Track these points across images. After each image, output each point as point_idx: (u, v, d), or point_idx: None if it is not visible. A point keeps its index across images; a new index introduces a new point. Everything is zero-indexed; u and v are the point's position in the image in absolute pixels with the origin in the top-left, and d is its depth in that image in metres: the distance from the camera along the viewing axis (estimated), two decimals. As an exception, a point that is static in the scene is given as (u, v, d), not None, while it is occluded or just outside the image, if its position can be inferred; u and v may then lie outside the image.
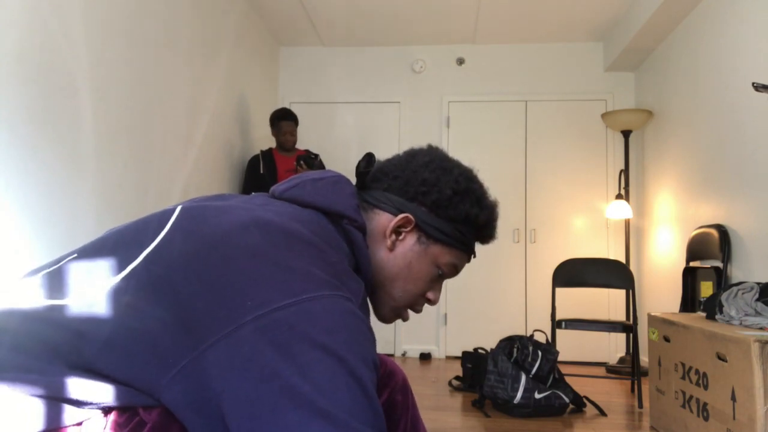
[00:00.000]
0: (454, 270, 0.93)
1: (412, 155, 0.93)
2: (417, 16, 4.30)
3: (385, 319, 0.94)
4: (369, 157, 0.93)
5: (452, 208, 0.88)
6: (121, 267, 0.71)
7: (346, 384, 0.61)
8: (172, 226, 0.74)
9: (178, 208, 0.78)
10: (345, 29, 4.56)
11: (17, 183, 1.89)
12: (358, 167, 0.92)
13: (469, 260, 0.95)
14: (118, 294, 0.68)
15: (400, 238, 0.88)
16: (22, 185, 1.91)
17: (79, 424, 0.66)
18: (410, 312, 0.95)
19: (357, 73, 4.86)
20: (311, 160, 3.80)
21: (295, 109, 4.87)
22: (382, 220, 0.88)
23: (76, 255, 0.77)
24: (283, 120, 3.92)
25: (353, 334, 0.66)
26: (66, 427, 0.66)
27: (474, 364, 3.37)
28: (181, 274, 0.67)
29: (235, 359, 0.62)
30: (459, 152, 4.68)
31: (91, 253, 0.75)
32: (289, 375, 0.60)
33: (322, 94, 4.86)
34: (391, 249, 0.88)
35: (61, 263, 0.76)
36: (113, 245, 0.75)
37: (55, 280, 0.73)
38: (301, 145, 4.53)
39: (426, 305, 0.96)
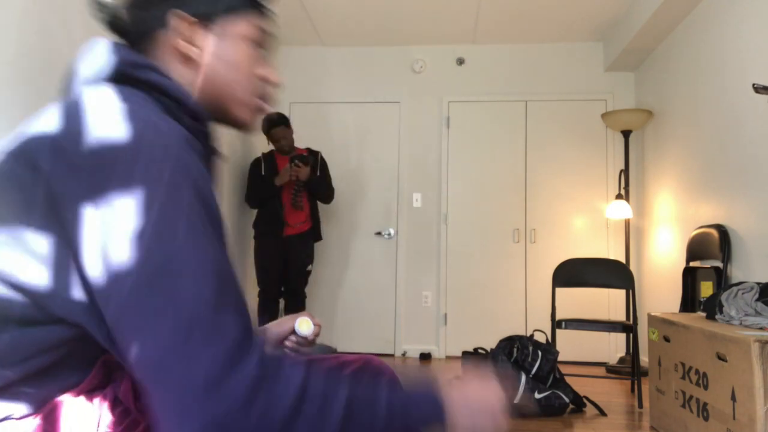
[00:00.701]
0: (265, 35, 0.87)
1: None
2: (417, 16, 4.30)
3: (247, 122, 0.87)
4: (102, 5, 0.84)
5: None
6: None
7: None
8: None
9: None
10: (345, 29, 4.56)
11: (17, 183, 1.89)
12: (104, 22, 0.84)
13: (269, 19, 0.88)
14: None
15: (196, 44, 0.80)
16: (22, 185, 1.91)
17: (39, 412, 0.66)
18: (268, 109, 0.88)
19: (357, 73, 4.86)
20: (305, 158, 3.80)
21: (295, 109, 4.88)
22: (165, 42, 0.80)
23: None
24: (273, 128, 3.90)
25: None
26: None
27: (474, 364, 3.37)
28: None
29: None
30: (459, 152, 4.70)
31: None
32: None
33: (322, 94, 4.86)
34: (197, 60, 0.81)
35: None
36: None
37: None
38: (301, 145, 4.53)
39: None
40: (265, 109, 0.89)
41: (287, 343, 1.14)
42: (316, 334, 1.15)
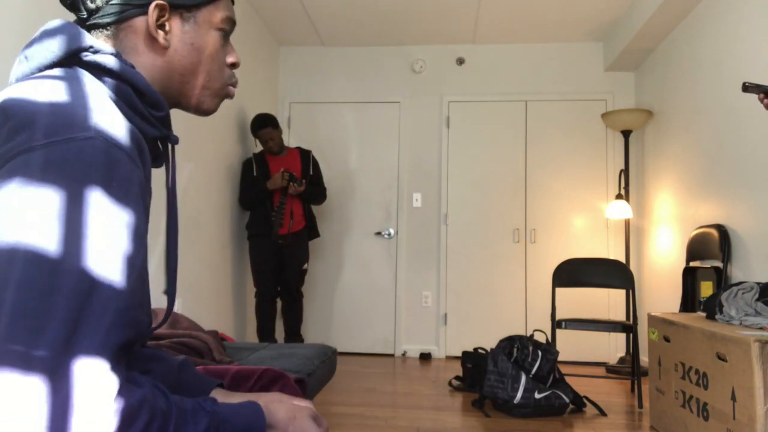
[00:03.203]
0: (230, 21, 0.89)
1: None
2: (417, 16, 4.30)
3: (212, 109, 0.90)
4: None
5: None
6: None
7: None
8: None
9: None
10: (345, 29, 4.56)
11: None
12: (66, 4, 0.82)
13: (233, 2, 0.91)
14: None
15: (167, 30, 0.82)
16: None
17: None
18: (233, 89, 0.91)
19: (357, 73, 4.86)
20: (297, 179, 3.79)
21: (295, 109, 4.87)
22: (136, 27, 0.81)
23: None
24: (261, 129, 3.87)
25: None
26: None
27: (474, 364, 3.37)
28: None
29: None
30: (459, 152, 4.70)
31: None
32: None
33: (322, 94, 4.87)
34: (166, 47, 0.82)
35: None
36: None
37: None
38: (296, 144, 4.53)
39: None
40: (232, 95, 0.92)
41: None
42: None
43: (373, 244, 4.71)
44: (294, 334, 4.01)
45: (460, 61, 4.77)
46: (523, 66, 4.71)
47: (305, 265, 4.00)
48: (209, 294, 3.53)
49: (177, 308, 3.03)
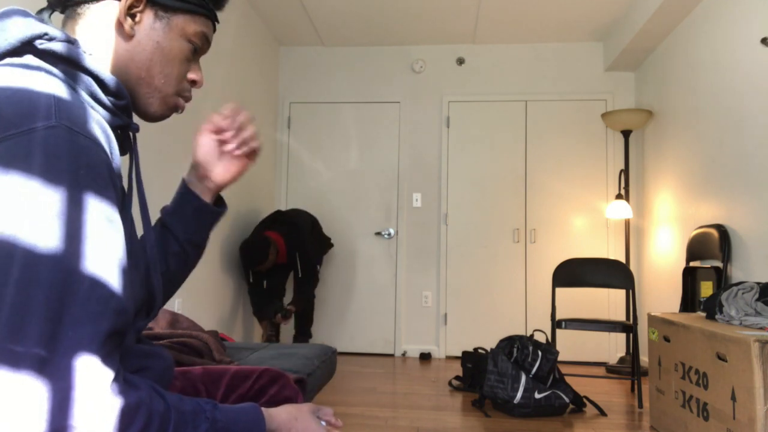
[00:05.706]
0: (205, 40, 0.87)
1: None
2: (417, 16, 4.30)
3: (158, 114, 0.86)
4: None
5: None
6: None
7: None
8: None
9: None
10: (345, 29, 4.56)
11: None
12: None
13: (214, 27, 0.89)
14: None
15: (137, 20, 0.80)
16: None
17: None
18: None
19: (357, 73, 4.86)
20: (282, 310, 3.87)
21: (295, 109, 4.87)
22: (106, 11, 0.79)
23: None
24: (253, 267, 3.83)
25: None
26: None
27: (474, 364, 3.37)
28: None
29: None
30: (459, 152, 4.70)
31: None
32: None
33: (322, 94, 4.86)
34: (131, 35, 0.80)
35: None
36: None
37: None
38: (299, 143, 4.54)
39: None
40: (181, 109, 0.89)
41: None
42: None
43: (373, 244, 4.71)
44: (303, 333, 4.06)
45: (460, 61, 4.77)
46: (523, 66, 4.71)
47: (318, 267, 4.07)
48: (209, 294, 3.53)
49: (177, 308, 3.03)
